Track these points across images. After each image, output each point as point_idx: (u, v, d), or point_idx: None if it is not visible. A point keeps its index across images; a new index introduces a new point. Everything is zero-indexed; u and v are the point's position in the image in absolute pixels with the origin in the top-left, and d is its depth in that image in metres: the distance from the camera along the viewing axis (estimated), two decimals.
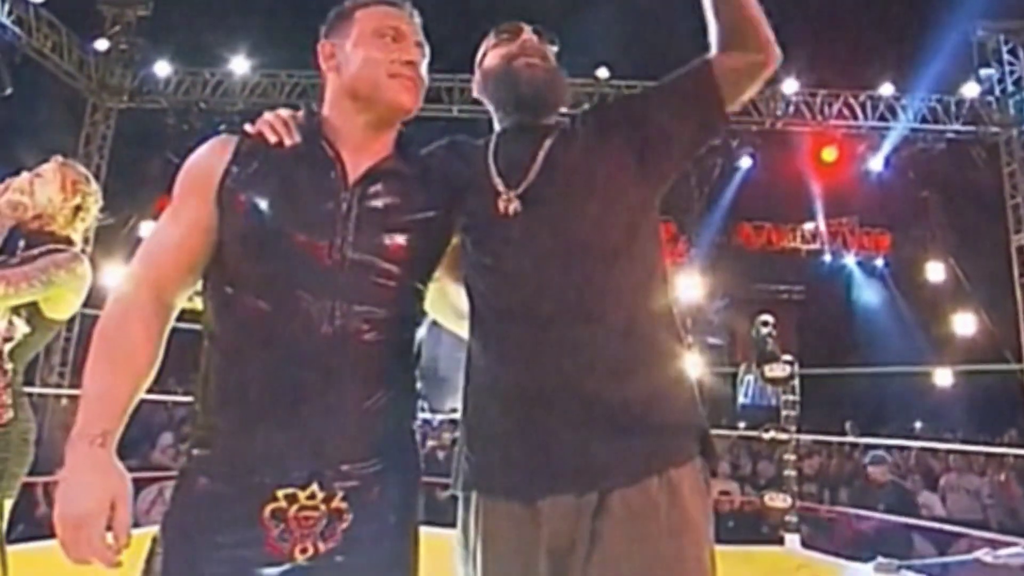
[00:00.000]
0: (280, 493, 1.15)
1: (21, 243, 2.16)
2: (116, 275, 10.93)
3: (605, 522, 1.20)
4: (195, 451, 1.21)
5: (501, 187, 1.35)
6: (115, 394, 1.13)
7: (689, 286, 13.87)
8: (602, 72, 10.18)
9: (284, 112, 1.32)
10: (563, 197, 1.34)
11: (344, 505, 1.18)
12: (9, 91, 9.25)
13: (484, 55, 1.51)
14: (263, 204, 1.21)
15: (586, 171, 1.36)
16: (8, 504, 2.07)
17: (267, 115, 1.31)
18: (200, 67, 10.59)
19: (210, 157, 1.26)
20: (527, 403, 1.25)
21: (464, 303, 1.39)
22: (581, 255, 1.30)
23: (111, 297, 1.21)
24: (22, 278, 2.03)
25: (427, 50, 1.35)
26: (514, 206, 1.32)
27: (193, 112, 10.79)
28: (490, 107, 1.51)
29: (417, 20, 1.36)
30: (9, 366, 2.09)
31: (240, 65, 10.42)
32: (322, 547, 1.16)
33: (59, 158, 2.34)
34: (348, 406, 1.19)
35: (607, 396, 1.25)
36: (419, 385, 1.34)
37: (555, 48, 1.49)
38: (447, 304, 1.44)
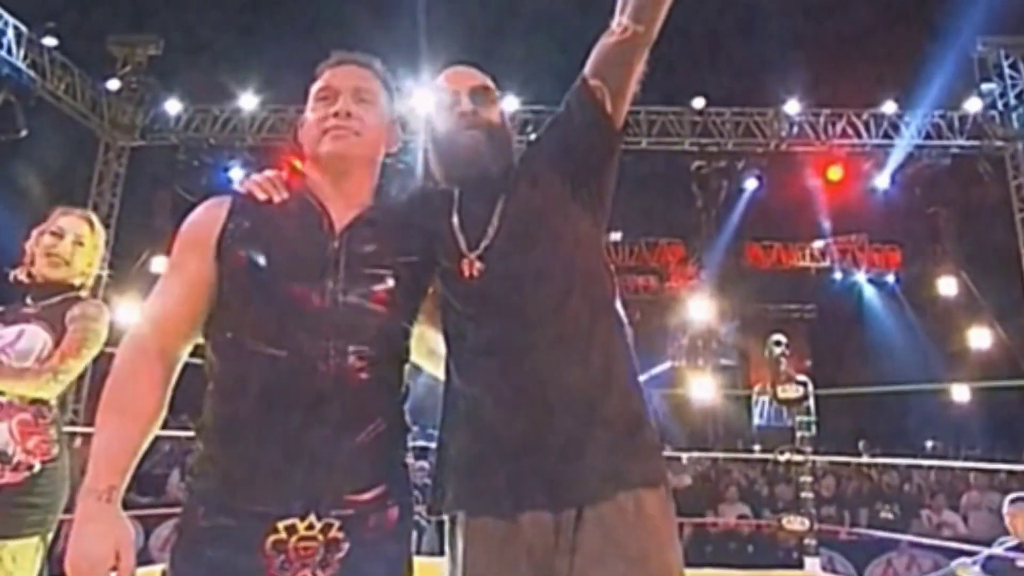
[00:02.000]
0: (280, 525, 1.22)
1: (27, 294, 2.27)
2: (129, 312, 11.04)
3: (581, 533, 1.29)
4: (198, 485, 1.28)
5: (464, 247, 1.44)
6: (122, 448, 1.22)
7: (700, 308, 13.85)
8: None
9: (270, 172, 1.44)
10: (519, 250, 1.42)
11: (340, 535, 1.24)
12: (24, 132, 9.42)
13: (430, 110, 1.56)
14: (259, 256, 1.30)
15: (533, 219, 1.45)
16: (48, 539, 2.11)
17: (254, 175, 1.43)
18: (209, 104, 10.75)
19: (207, 216, 1.36)
20: (505, 427, 1.35)
21: (440, 346, 1.49)
22: (542, 297, 1.40)
23: (119, 353, 1.29)
24: (79, 345, 2.18)
25: (372, 94, 1.44)
26: (477, 267, 1.42)
27: (203, 148, 10.96)
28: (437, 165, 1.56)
29: (366, 63, 1.46)
30: (54, 402, 2.19)
31: (248, 101, 10.58)
32: (320, 575, 1.23)
33: (87, 214, 2.42)
34: (342, 440, 1.26)
35: (579, 419, 1.34)
36: (407, 418, 1.42)
37: (495, 94, 1.54)
38: (424, 347, 1.53)
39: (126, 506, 1.23)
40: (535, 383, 1.35)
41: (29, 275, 2.29)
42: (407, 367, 1.43)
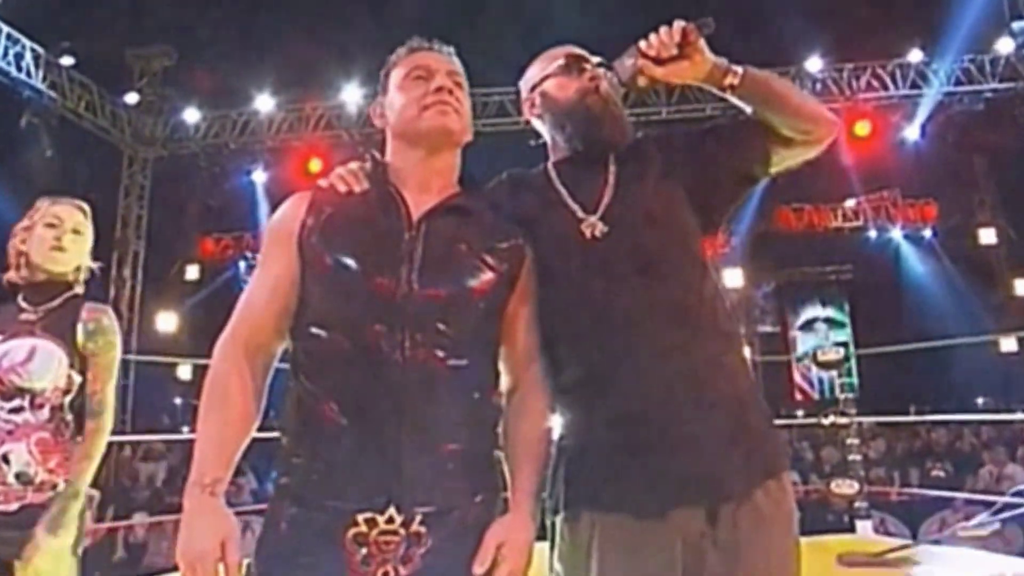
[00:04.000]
0: (360, 518, 1.21)
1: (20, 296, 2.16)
2: (166, 321, 11.22)
3: (740, 523, 1.29)
4: (282, 480, 1.29)
5: (580, 212, 1.43)
6: (222, 444, 1.25)
7: (734, 276, 13.68)
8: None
9: (353, 164, 1.43)
10: (641, 220, 1.43)
11: (423, 529, 1.22)
12: (49, 153, 9.59)
13: (544, 79, 1.56)
14: (335, 249, 1.30)
15: (653, 200, 1.45)
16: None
17: (339, 169, 1.42)
18: (226, 109, 10.83)
19: (288, 213, 1.37)
20: (636, 422, 1.32)
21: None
22: (669, 272, 1.40)
23: (215, 352, 1.32)
24: (110, 370, 2.15)
25: (461, 77, 1.44)
26: (600, 228, 1.41)
27: (224, 154, 11.05)
28: (552, 134, 1.57)
29: (448, 52, 1.46)
30: (69, 417, 2.12)
31: (265, 103, 10.63)
32: (402, 571, 1.21)
33: (78, 202, 2.26)
34: (426, 433, 1.24)
35: (717, 407, 1.33)
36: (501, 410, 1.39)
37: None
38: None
39: None
40: (685, 361, 1.34)
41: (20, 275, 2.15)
42: (498, 351, 1.39)
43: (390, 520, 1.21)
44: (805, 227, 13.79)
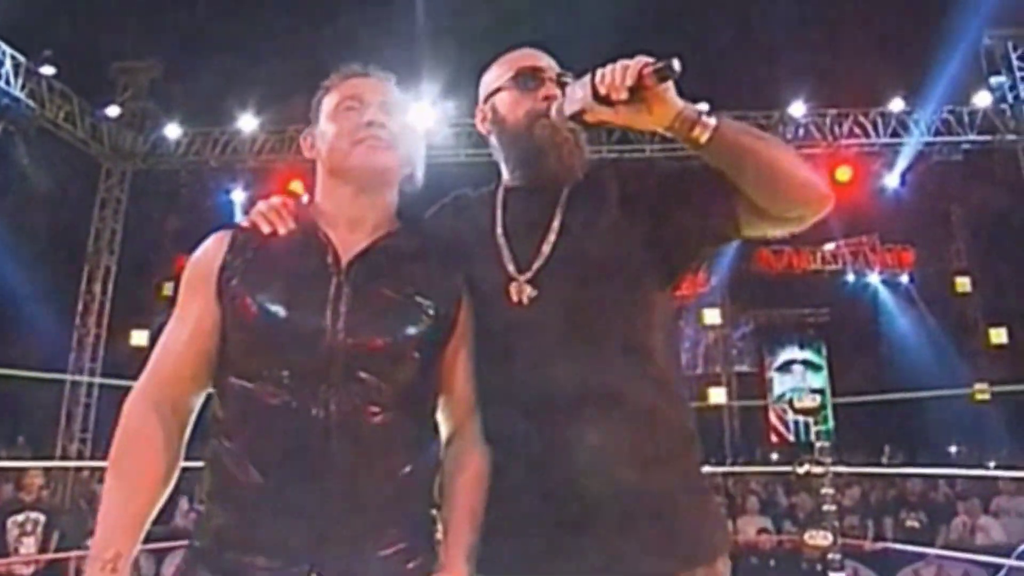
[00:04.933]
0: None
1: None
2: (140, 337, 10.98)
3: None
4: (195, 544, 1.19)
5: (512, 269, 1.28)
6: (129, 513, 1.15)
7: (713, 315, 13.72)
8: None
9: (276, 200, 1.32)
10: (578, 280, 1.26)
11: None
12: (25, 162, 9.42)
13: (497, 91, 1.40)
14: (258, 292, 1.20)
15: (601, 253, 1.28)
16: None
17: (260, 205, 1.31)
18: (209, 127, 10.71)
19: (207, 254, 1.27)
20: (542, 497, 1.20)
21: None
22: (600, 342, 1.24)
23: (125, 409, 1.21)
24: None
25: (399, 107, 1.33)
26: (527, 293, 1.26)
27: (204, 171, 10.92)
28: (499, 157, 1.42)
29: (386, 79, 1.35)
30: None
31: (248, 123, 10.53)
32: None
33: None
34: (350, 494, 1.15)
35: (632, 490, 1.20)
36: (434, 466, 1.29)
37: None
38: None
39: None
40: (586, 443, 1.20)
41: None
42: (435, 403, 1.29)
43: None
44: (784, 268, 13.90)
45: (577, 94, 1.22)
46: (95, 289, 10.35)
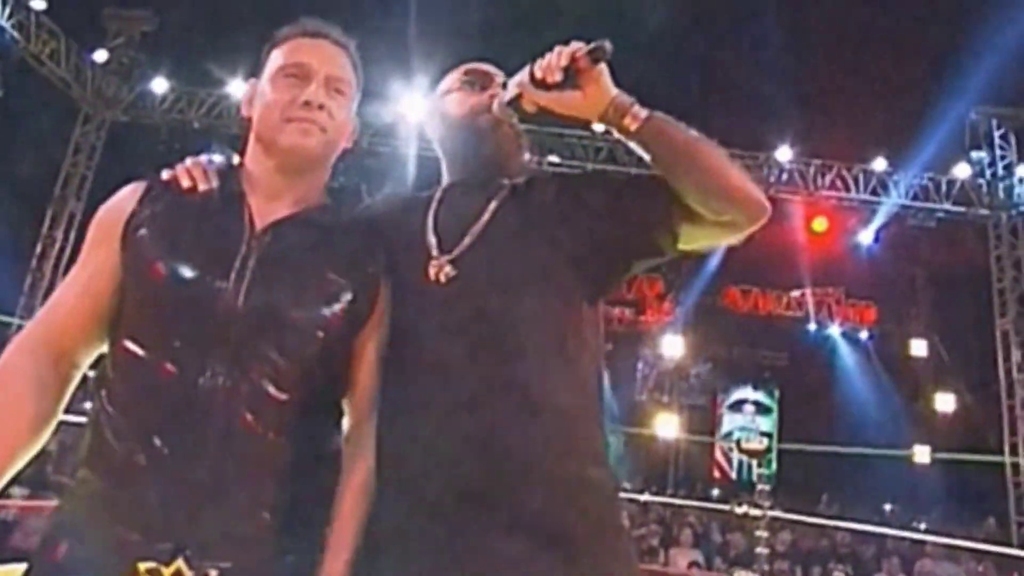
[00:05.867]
0: (142, 567, 1.03)
1: None
2: None
3: None
4: (65, 507, 1.12)
5: (435, 249, 1.24)
6: None
7: (672, 345, 13.83)
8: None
9: (202, 158, 1.24)
10: (498, 268, 1.22)
11: None
12: (1, 93, 9.17)
13: (446, 92, 1.39)
14: (161, 247, 1.13)
15: (523, 251, 1.24)
16: None
17: (187, 160, 1.23)
18: (196, 87, 10.53)
19: (118, 203, 1.19)
20: (433, 503, 1.12)
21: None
22: (511, 338, 1.18)
23: (5, 352, 1.13)
24: None
25: (346, 82, 1.24)
26: (445, 271, 1.21)
27: (187, 131, 10.73)
28: (440, 154, 1.40)
29: (342, 44, 1.26)
30: None
31: (238, 88, 10.36)
32: None
33: None
34: (233, 477, 1.07)
35: (526, 503, 1.11)
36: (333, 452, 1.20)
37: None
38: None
39: None
40: (479, 446, 1.12)
41: None
42: (341, 391, 1.21)
43: (177, 573, 1.03)
44: (750, 308, 14.08)
45: (515, 80, 1.23)
46: (56, 234, 10.11)
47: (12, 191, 10.34)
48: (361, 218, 1.31)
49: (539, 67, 1.18)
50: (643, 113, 1.19)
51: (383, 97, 9.44)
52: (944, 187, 10.15)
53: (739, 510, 4.93)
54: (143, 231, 1.14)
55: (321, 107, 1.18)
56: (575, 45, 1.16)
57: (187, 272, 1.11)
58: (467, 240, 1.24)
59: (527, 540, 1.10)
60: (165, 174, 1.21)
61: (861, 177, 10.24)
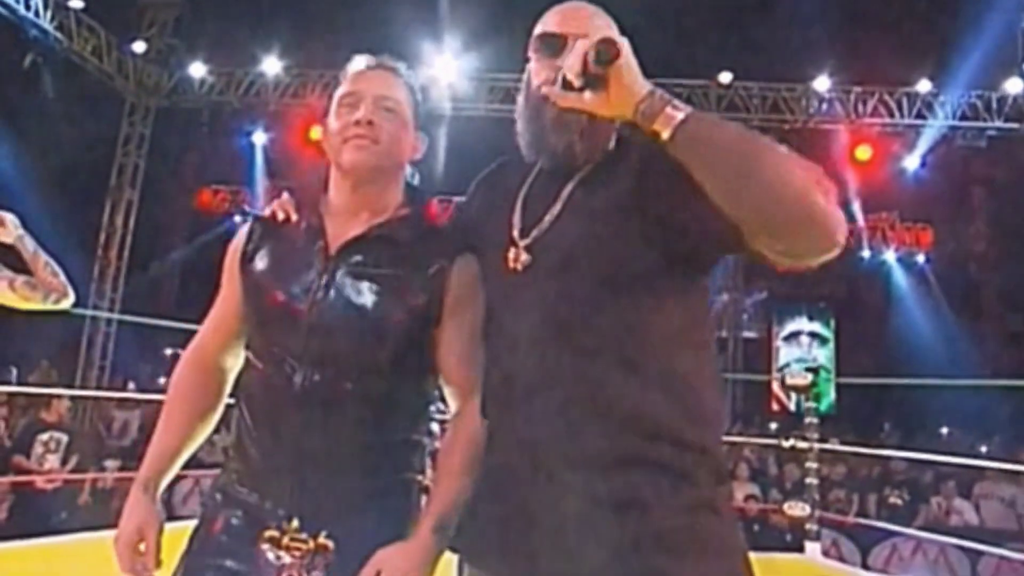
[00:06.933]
0: (266, 533, 1.31)
1: None
2: (158, 268, 11.19)
3: None
4: (221, 478, 1.42)
5: (516, 233, 1.24)
6: (161, 448, 1.41)
7: (726, 277, 13.72)
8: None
9: (286, 196, 1.48)
10: (571, 256, 1.18)
11: (329, 543, 1.30)
12: (50, 95, 9.53)
13: (529, 58, 1.30)
14: (261, 275, 1.40)
15: (600, 232, 1.18)
16: None
17: (283, 196, 1.47)
18: (232, 67, 10.75)
19: (236, 241, 1.47)
20: (513, 485, 1.17)
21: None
22: (580, 329, 1.15)
23: (178, 364, 1.50)
24: None
25: (397, 100, 1.39)
26: (523, 259, 1.22)
27: (226, 112, 11.01)
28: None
29: (389, 68, 1.42)
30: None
31: (272, 65, 10.55)
32: None
33: None
34: (324, 453, 1.32)
35: (609, 515, 1.10)
36: (426, 431, 1.44)
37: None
38: None
39: None
40: (548, 437, 1.13)
41: None
42: (420, 382, 1.39)
43: (298, 530, 1.30)
44: None
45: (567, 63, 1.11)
46: (117, 222, 10.57)
47: (72, 187, 10.82)
48: (435, 226, 1.42)
49: (565, 67, 1.08)
50: (678, 115, 1.01)
51: (415, 60, 9.50)
52: (994, 104, 9.74)
53: (787, 443, 5.02)
54: (249, 266, 1.42)
55: (370, 123, 1.34)
56: (584, 45, 1.05)
57: (280, 296, 1.36)
58: (544, 224, 1.22)
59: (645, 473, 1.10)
60: (266, 211, 1.46)
61: (905, 101, 9.90)
